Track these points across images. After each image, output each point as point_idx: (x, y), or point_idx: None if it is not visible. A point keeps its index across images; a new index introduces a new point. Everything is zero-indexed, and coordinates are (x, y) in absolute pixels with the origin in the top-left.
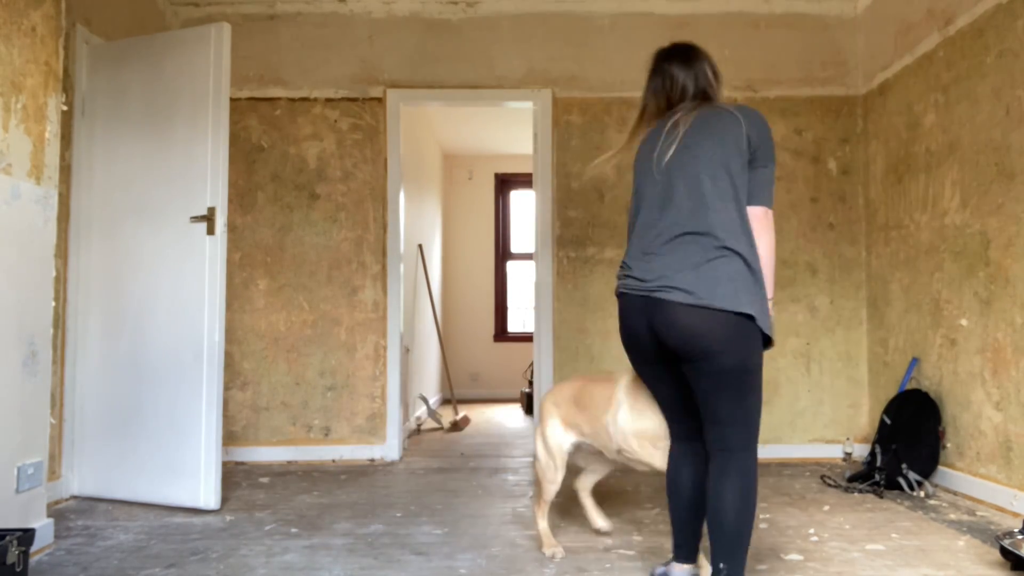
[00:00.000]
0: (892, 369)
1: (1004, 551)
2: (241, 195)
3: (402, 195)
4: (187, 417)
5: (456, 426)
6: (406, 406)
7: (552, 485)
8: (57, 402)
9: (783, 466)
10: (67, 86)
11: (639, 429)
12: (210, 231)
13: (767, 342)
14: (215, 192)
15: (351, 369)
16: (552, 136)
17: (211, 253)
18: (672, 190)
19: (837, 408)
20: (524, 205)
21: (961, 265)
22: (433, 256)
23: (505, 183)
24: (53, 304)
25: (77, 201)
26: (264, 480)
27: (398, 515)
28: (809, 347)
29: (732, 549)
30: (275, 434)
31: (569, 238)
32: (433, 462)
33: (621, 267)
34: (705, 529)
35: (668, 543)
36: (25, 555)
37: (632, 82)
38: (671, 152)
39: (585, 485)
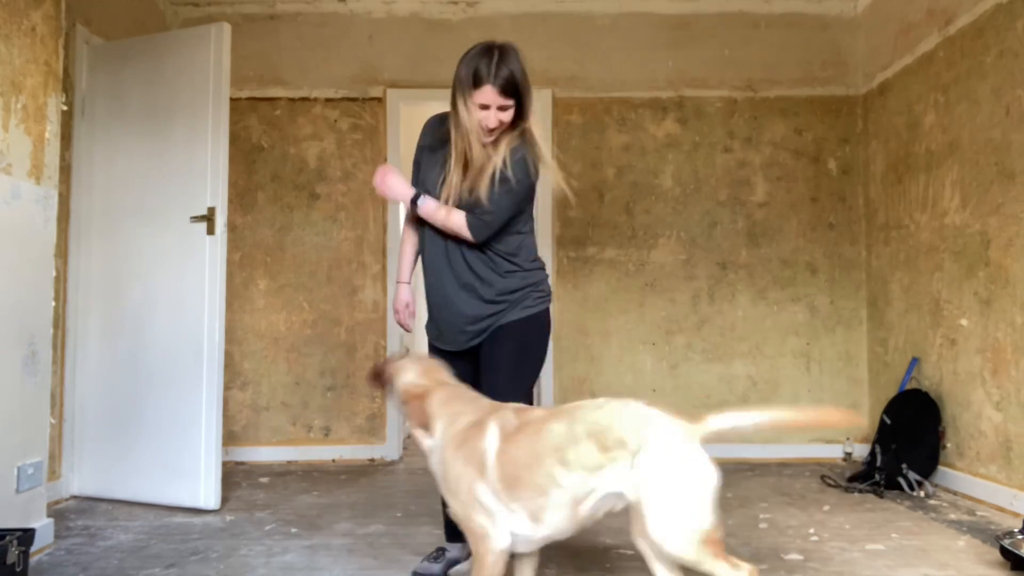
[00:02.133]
0: (892, 369)
1: (1004, 551)
2: (241, 195)
3: None
4: (187, 417)
5: None
6: None
7: None
8: (57, 402)
9: (783, 466)
10: (67, 86)
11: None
12: (210, 231)
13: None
14: (215, 192)
15: (351, 369)
16: (552, 136)
17: (211, 253)
18: None
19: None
20: None
21: (961, 265)
22: None
23: None
24: (53, 304)
25: (77, 201)
26: (264, 480)
27: (398, 515)
28: (809, 347)
29: None
30: (275, 434)
31: (569, 238)
32: None
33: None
34: None
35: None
36: (25, 555)
37: (632, 82)
38: None
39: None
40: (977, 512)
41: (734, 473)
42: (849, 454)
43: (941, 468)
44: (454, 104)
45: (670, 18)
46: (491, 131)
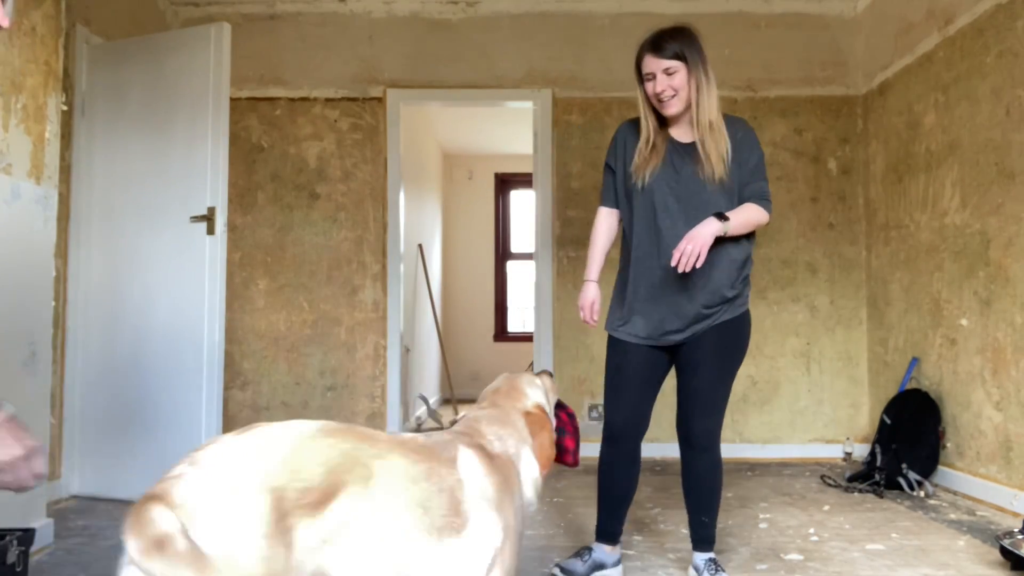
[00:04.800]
0: (892, 369)
1: (1004, 551)
2: (241, 195)
3: (402, 195)
4: (187, 417)
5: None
6: (406, 406)
7: None
8: (57, 402)
9: (783, 466)
10: (67, 86)
11: None
12: (210, 231)
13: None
14: (215, 192)
15: (351, 369)
16: (552, 136)
17: (211, 253)
18: None
19: (837, 408)
20: (524, 205)
21: (961, 265)
22: (433, 256)
23: (505, 183)
24: (53, 304)
25: (77, 201)
26: None
27: None
28: (809, 347)
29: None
30: None
31: (569, 238)
32: None
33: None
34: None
35: (668, 542)
36: (25, 555)
37: (632, 82)
38: None
39: None
40: (977, 512)
41: (734, 473)
42: (849, 454)
43: (941, 468)
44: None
45: (670, 18)
46: (661, 99)
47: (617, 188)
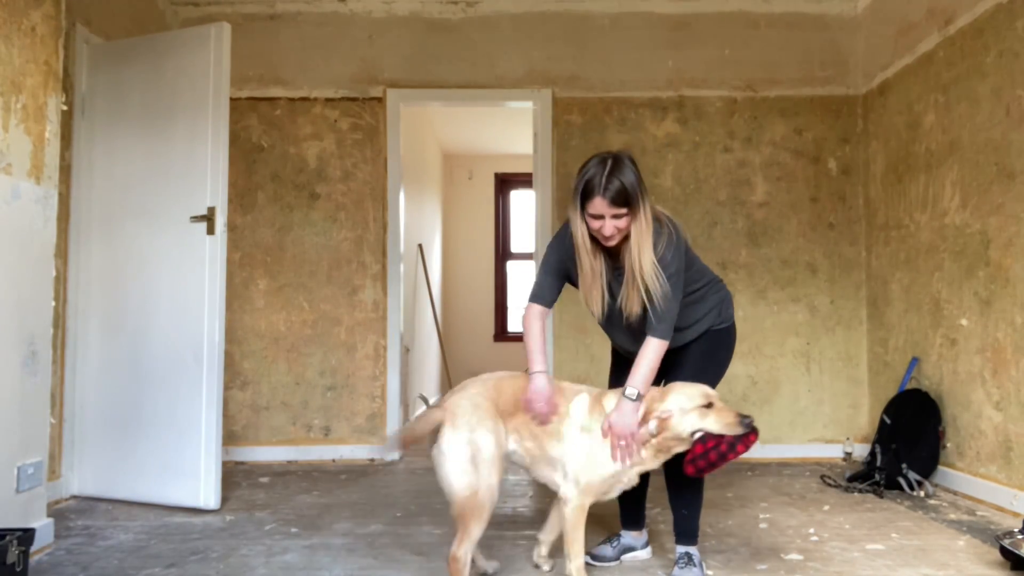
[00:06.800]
0: (892, 369)
1: (1004, 551)
2: (241, 195)
3: (402, 195)
4: (187, 417)
5: None
6: (406, 406)
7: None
8: (57, 402)
9: (783, 466)
10: (67, 86)
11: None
12: (210, 231)
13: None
14: (215, 192)
15: (351, 369)
16: (552, 136)
17: (211, 253)
18: None
19: (837, 408)
20: (524, 205)
21: (961, 265)
22: (433, 256)
23: (505, 183)
24: (53, 304)
25: (77, 201)
26: (264, 480)
27: (398, 515)
28: (809, 347)
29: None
30: (275, 434)
31: None
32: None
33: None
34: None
35: (668, 543)
36: (25, 555)
37: (632, 82)
38: None
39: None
40: (977, 512)
41: (734, 473)
42: (849, 454)
43: (941, 468)
44: (571, 215)
45: (670, 18)
46: (607, 237)
47: (560, 285)
